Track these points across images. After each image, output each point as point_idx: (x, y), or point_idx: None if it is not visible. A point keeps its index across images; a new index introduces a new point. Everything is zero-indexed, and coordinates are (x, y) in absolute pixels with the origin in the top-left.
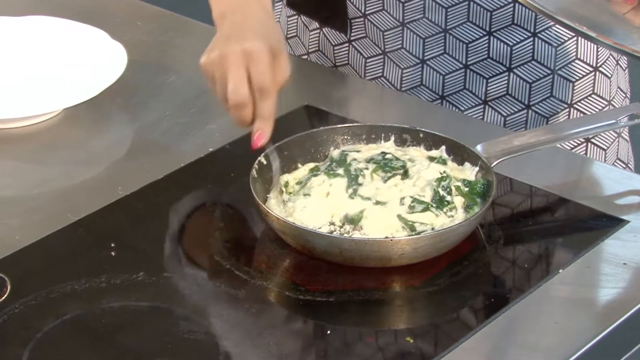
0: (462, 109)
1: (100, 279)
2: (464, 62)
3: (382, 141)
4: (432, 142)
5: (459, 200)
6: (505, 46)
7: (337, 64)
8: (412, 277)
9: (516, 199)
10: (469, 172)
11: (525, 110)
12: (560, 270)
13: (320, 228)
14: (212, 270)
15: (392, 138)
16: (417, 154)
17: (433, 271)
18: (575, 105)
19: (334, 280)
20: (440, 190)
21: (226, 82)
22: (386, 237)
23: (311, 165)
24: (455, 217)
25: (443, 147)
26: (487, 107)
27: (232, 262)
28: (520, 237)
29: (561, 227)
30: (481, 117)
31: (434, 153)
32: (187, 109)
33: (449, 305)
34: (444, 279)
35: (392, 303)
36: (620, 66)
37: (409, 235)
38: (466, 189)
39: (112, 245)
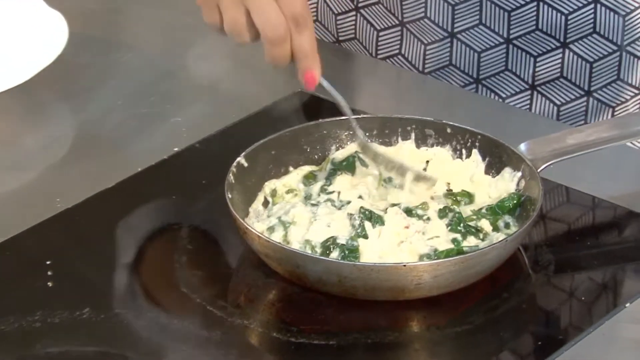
0: (503, 96)
1: (34, 317)
2: (505, 35)
3: (399, 138)
4: (462, 139)
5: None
6: (559, 15)
7: (341, 38)
8: (434, 314)
9: (572, 213)
10: (509, 180)
11: (585, 98)
12: (628, 304)
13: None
14: (177, 306)
15: (413, 136)
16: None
17: (462, 306)
18: None
19: (334, 318)
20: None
21: (239, 12)
22: (398, 262)
23: (306, 169)
24: (492, 237)
25: (475, 152)
26: (535, 93)
27: (203, 295)
28: (577, 261)
29: (631, 249)
30: (527, 106)
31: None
32: (145, 97)
33: (484, 349)
34: (476, 316)
35: (409, 347)
36: None
37: (428, 260)
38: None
39: (49, 273)
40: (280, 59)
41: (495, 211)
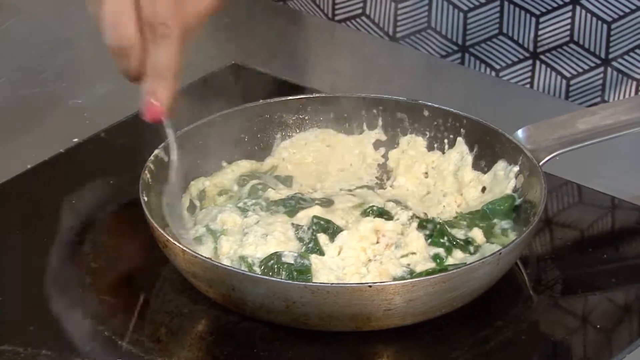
0: (497, 67)
1: None
2: None
3: (364, 125)
4: (443, 125)
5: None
6: None
7: None
8: (408, 348)
9: (584, 218)
10: (504, 176)
11: (602, 68)
12: None
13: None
14: (79, 340)
15: (380, 122)
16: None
17: (444, 339)
18: None
19: (280, 354)
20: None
21: (100, 6)
22: (362, 282)
23: (244, 165)
24: (485, 250)
25: (460, 141)
26: (537, 63)
27: (112, 326)
28: (591, 279)
29: None
30: (528, 81)
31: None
32: (36, 73)
33: None
34: (462, 351)
35: None
36: None
37: (400, 280)
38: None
39: None
40: (127, 75)
41: (485, 215)
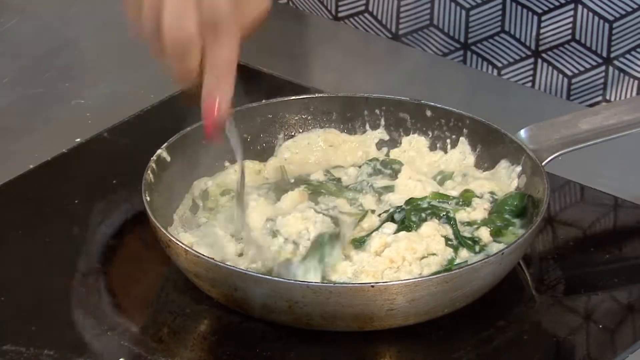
0: (499, 65)
1: None
2: None
3: (366, 125)
4: (445, 124)
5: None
6: None
7: None
8: (411, 348)
9: (587, 218)
10: (506, 176)
11: (603, 67)
12: None
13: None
14: (82, 341)
15: (382, 122)
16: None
17: (447, 339)
18: None
19: (283, 354)
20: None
21: (159, 9)
22: (365, 282)
23: (246, 165)
24: (490, 249)
25: (463, 141)
26: (539, 62)
27: (115, 325)
28: (594, 278)
29: None
30: (530, 79)
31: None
32: (39, 73)
33: None
34: (465, 351)
35: None
36: None
37: (403, 279)
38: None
39: None
40: (182, 73)
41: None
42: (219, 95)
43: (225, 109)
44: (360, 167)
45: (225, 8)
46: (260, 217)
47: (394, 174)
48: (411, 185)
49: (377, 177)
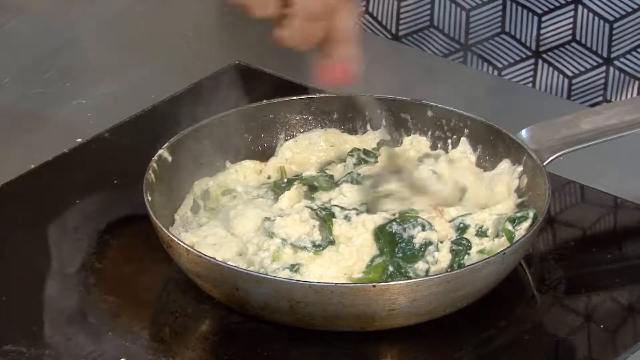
0: (499, 66)
1: None
2: None
3: (368, 126)
4: (447, 125)
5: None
6: None
7: None
8: (412, 348)
9: (588, 218)
10: (507, 176)
11: (604, 67)
12: None
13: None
14: (83, 341)
15: (383, 122)
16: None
17: (448, 339)
18: None
19: (284, 354)
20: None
21: None
22: (366, 283)
23: (248, 165)
24: (488, 249)
25: (464, 141)
26: (540, 62)
27: (116, 325)
28: (595, 279)
29: None
30: (530, 80)
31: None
32: (40, 73)
33: None
34: (466, 351)
35: None
36: None
37: (404, 280)
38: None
39: None
40: (308, 39)
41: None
42: (349, 59)
43: (354, 73)
44: (345, 160)
45: None
46: (257, 217)
47: (377, 161)
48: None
49: (363, 166)
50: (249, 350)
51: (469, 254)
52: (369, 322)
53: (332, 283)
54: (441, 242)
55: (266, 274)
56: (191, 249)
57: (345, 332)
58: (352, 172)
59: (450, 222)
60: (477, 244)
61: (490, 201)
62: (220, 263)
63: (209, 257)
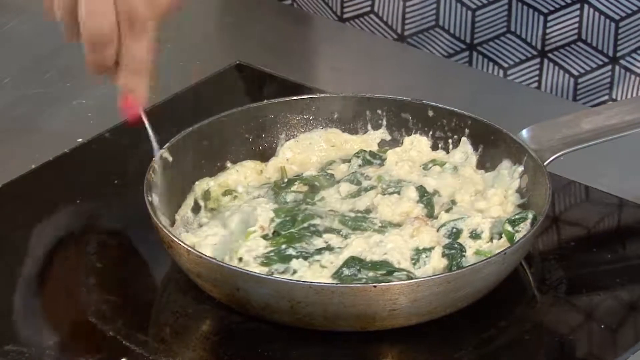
0: (505, 66)
1: None
2: None
3: (368, 125)
4: (447, 125)
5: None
6: None
7: None
8: (413, 348)
9: (589, 218)
10: (508, 176)
11: (609, 67)
12: None
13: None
14: (83, 341)
15: (384, 122)
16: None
17: (449, 339)
18: None
19: (285, 354)
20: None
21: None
22: (368, 283)
23: (248, 165)
24: (485, 250)
25: (464, 141)
26: (545, 62)
27: (117, 326)
28: (596, 278)
29: None
30: (536, 79)
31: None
32: (40, 73)
33: None
34: (466, 351)
35: None
36: None
37: (405, 280)
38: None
39: None
40: (97, 67)
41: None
42: (134, 92)
43: (139, 106)
44: (350, 160)
45: (142, 5)
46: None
47: (383, 164)
48: (399, 167)
49: (368, 168)
50: (250, 350)
51: (464, 256)
52: (370, 322)
53: (333, 283)
54: (432, 249)
55: (266, 275)
56: (192, 250)
57: (346, 332)
58: (355, 172)
59: (441, 226)
60: (471, 247)
61: (485, 206)
62: (221, 263)
63: (210, 257)
